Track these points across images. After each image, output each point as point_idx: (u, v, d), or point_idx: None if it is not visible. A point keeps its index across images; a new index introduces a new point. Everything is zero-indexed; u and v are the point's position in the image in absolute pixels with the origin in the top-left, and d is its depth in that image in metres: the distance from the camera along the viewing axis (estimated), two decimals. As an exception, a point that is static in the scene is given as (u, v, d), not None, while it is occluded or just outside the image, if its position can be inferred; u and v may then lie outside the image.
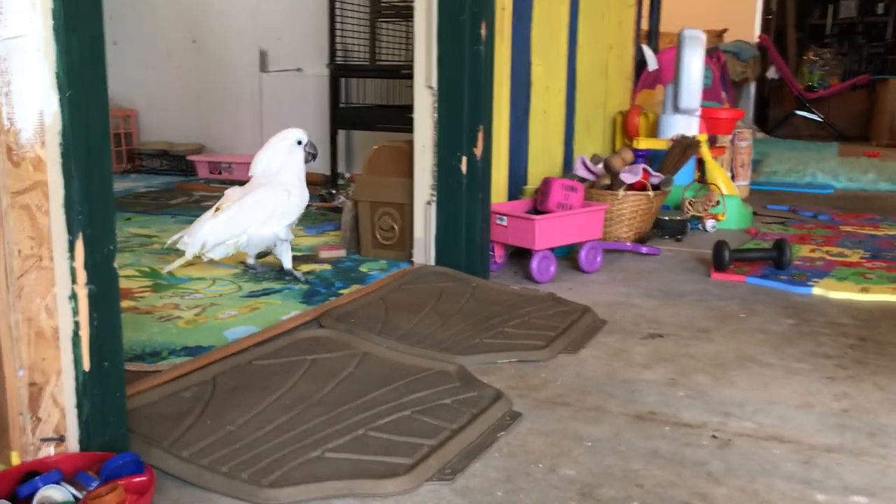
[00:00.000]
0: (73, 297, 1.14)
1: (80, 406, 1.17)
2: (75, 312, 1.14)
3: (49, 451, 1.16)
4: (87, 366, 1.16)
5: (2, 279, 1.09)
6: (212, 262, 2.39)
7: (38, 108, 1.08)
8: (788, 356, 1.80)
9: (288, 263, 2.37)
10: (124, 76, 4.90)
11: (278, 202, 2.32)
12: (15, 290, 1.09)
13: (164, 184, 4.37)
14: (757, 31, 8.39)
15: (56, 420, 1.16)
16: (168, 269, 2.37)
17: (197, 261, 2.35)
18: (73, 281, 1.13)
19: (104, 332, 1.18)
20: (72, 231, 1.12)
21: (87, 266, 1.14)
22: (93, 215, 1.14)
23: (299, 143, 2.39)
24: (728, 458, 1.32)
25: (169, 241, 2.38)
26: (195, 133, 4.95)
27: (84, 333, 1.15)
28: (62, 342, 1.14)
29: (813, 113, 7.94)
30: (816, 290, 2.30)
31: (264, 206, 2.31)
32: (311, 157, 2.42)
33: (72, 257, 1.12)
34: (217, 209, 2.34)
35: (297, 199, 2.36)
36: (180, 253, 2.32)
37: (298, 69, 4.61)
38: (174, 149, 4.80)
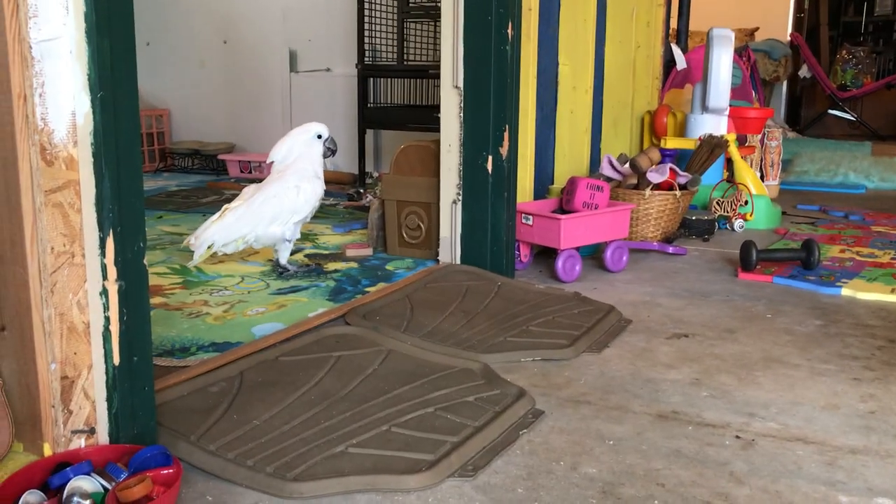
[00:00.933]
0: (104, 292, 1.16)
1: (109, 399, 1.20)
2: (106, 308, 1.17)
3: (80, 442, 1.19)
4: (117, 360, 1.19)
5: (35, 275, 1.12)
6: (238, 255, 2.48)
7: (70, 108, 1.11)
8: (815, 357, 1.79)
9: (283, 260, 2.41)
10: (156, 76, 4.98)
11: (286, 200, 2.33)
12: (48, 285, 1.12)
13: (195, 183, 4.42)
14: (789, 29, 8.29)
15: (87, 413, 1.19)
16: (190, 264, 2.42)
17: (214, 255, 2.39)
18: (104, 277, 1.16)
19: (134, 328, 1.21)
20: (103, 228, 1.15)
21: (117, 263, 1.17)
22: (123, 213, 1.16)
23: (319, 136, 2.42)
24: (751, 459, 1.32)
25: (184, 243, 2.41)
26: (226, 132, 5.01)
27: (114, 328, 1.18)
28: (93, 337, 1.17)
29: (846, 112, 7.82)
30: (845, 291, 2.28)
31: (272, 206, 2.33)
32: (329, 152, 2.44)
33: (103, 254, 1.15)
34: (225, 209, 2.35)
35: (309, 194, 2.36)
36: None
37: (327, 69, 4.65)
38: (205, 148, 4.86)
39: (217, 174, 4.74)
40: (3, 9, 1.03)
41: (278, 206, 2.33)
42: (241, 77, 4.90)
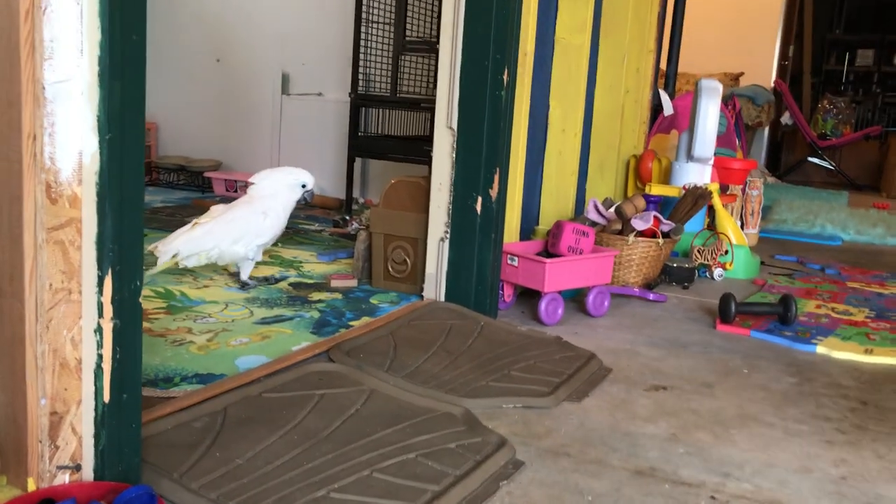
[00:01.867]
0: (99, 330, 1.17)
1: (97, 436, 1.20)
2: (99, 345, 1.18)
3: (65, 478, 1.19)
4: (107, 397, 1.19)
5: (31, 311, 1.13)
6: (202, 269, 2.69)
7: (78, 148, 1.12)
8: (789, 416, 1.83)
9: (244, 276, 2.61)
10: (146, 90, 4.98)
11: (252, 223, 2.55)
12: (44, 321, 1.13)
13: (180, 199, 4.42)
14: (773, 75, 8.45)
15: (73, 448, 1.20)
16: (151, 272, 2.50)
17: (174, 266, 2.51)
18: (100, 315, 1.17)
19: (126, 365, 1.21)
20: (102, 267, 1.16)
21: (114, 301, 1.18)
22: (123, 252, 1.18)
23: (303, 186, 2.66)
24: (725, 521, 1.34)
25: (149, 248, 2.46)
26: (213, 150, 5.02)
27: (107, 366, 1.19)
28: (85, 373, 1.18)
29: (825, 160, 7.98)
30: (820, 349, 2.33)
31: (238, 226, 2.53)
32: (304, 201, 2.70)
33: (100, 292, 1.16)
34: (195, 224, 2.52)
35: (274, 221, 2.59)
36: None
37: (319, 94, 4.67)
38: (192, 164, 4.86)
39: (202, 191, 4.74)
40: (20, 50, 1.05)
41: (244, 227, 2.53)
42: (232, 96, 4.92)
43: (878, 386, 2.07)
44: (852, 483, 1.52)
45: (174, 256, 2.45)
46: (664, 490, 1.44)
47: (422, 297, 2.53)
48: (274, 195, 2.61)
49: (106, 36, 1.10)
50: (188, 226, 2.52)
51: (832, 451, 1.65)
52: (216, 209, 2.61)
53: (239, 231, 2.52)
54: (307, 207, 4.45)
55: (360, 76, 4.04)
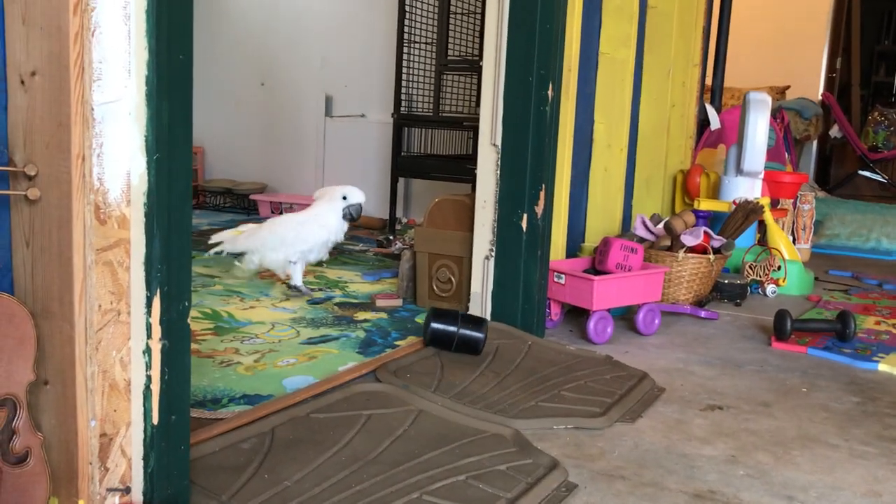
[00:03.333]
0: (147, 351, 1.17)
1: (146, 458, 1.19)
2: (148, 367, 1.17)
3: (114, 501, 1.18)
4: (156, 419, 1.19)
5: (81, 332, 1.13)
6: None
7: (126, 169, 1.13)
8: (853, 437, 1.75)
9: (295, 280, 2.74)
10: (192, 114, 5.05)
11: (288, 231, 2.71)
12: (93, 342, 1.13)
13: (226, 222, 4.46)
14: (821, 88, 8.29)
15: (122, 470, 1.19)
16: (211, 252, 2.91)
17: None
18: (149, 336, 1.16)
19: (174, 387, 1.21)
20: (150, 288, 1.15)
21: (162, 322, 1.17)
22: (171, 273, 1.17)
23: (344, 198, 2.73)
24: (791, 547, 1.29)
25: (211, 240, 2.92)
26: (259, 172, 5.07)
27: (155, 387, 1.18)
28: (133, 395, 1.18)
29: (877, 173, 7.78)
30: (882, 367, 2.24)
31: (277, 235, 2.72)
32: (348, 216, 2.74)
33: (148, 313, 1.16)
34: (243, 227, 2.93)
35: (312, 229, 2.70)
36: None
37: (362, 115, 4.70)
38: (238, 187, 4.92)
39: (248, 213, 4.78)
40: (69, 72, 1.06)
41: (282, 235, 2.71)
42: (277, 119, 4.97)
43: (947, 405, 1.98)
44: (925, 507, 1.44)
45: (219, 244, 2.84)
46: (725, 514, 1.39)
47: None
48: (314, 206, 2.77)
49: (153, 56, 1.11)
50: (239, 228, 2.86)
51: (901, 474, 1.58)
52: (270, 220, 2.88)
53: (277, 239, 2.71)
54: (352, 227, 4.46)
55: (403, 96, 4.05)
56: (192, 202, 1.22)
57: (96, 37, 1.08)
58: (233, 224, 4.39)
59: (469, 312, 2.49)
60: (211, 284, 2.86)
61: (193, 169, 5.13)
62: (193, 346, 2.13)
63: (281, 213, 4.65)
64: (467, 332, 2.07)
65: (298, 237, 2.71)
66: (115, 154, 1.12)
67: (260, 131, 5.03)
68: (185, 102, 1.17)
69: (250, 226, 2.91)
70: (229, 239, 2.87)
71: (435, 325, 2.08)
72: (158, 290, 1.16)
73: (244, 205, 4.85)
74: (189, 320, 1.23)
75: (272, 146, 5.00)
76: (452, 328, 2.06)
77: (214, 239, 2.89)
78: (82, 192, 1.10)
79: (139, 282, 1.15)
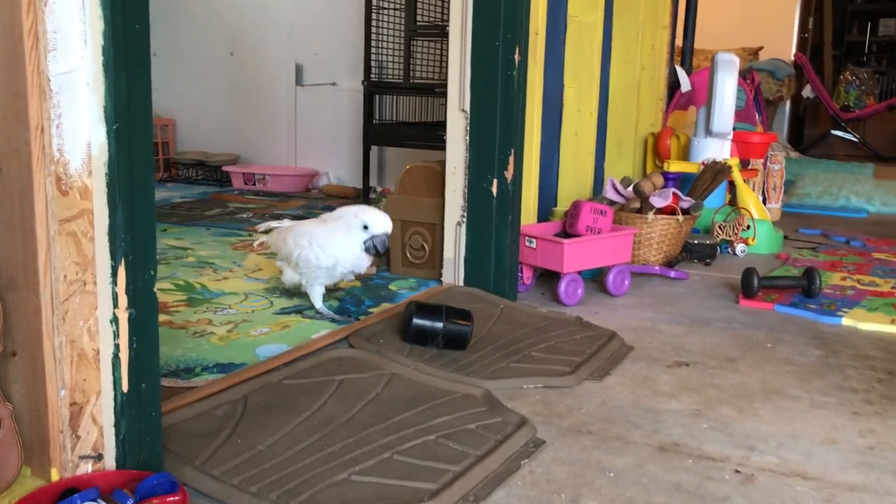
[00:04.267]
0: (115, 320, 1.18)
1: (117, 425, 1.21)
2: (116, 335, 1.18)
3: (87, 468, 1.20)
4: (125, 387, 1.20)
5: (47, 303, 1.13)
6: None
7: (86, 139, 1.13)
8: (814, 389, 1.80)
9: (316, 304, 2.24)
10: (162, 86, 5.01)
11: (293, 247, 2.21)
12: (60, 313, 1.14)
13: (199, 194, 4.45)
14: (793, 48, 8.33)
15: (94, 438, 1.21)
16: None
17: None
18: (115, 305, 1.17)
19: (143, 355, 1.22)
20: (115, 257, 1.16)
21: (128, 291, 1.18)
22: (135, 242, 1.18)
23: (365, 227, 2.12)
24: (750, 495, 1.33)
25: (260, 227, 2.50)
26: (231, 144, 5.04)
27: (124, 356, 1.19)
28: (103, 364, 1.19)
29: (849, 133, 7.86)
30: (846, 321, 2.29)
31: (288, 246, 2.24)
32: (373, 249, 2.15)
33: (114, 282, 1.17)
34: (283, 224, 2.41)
35: (317, 253, 2.16)
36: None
37: (333, 83, 4.67)
38: (210, 159, 4.89)
39: (221, 185, 4.76)
40: (24, 42, 1.05)
41: (289, 247, 2.23)
42: (247, 89, 4.93)
43: (906, 356, 2.04)
44: (879, 453, 1.49)
45: (265, 232, 2.42)
46: (688, 465, 1.43)
47: (440, 282, 2.53)
48: (326, 223, 2.20)
49: (109, 26, 1.10)
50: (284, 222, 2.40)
51: (858, 422, 1.63)
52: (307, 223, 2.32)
53: (285, 251, 2.25)
54: (326, 198, 4.46)
55: (373, 64, 4.03)
56: (154, 172, 1.23)
57: (49, 6, 1.07)
58: (206, 195, 4.38)
59: (441, 278, 2.51)
60: (184, 256, 2.86)
61: (165, 142, 5.09)
62: (166, 317, 2.14)
63: (254, 183, 4.64)
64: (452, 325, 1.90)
65: (300, 257, 2.20)
66: (75, 125, 1.12)
67: (230, 102, 4.99)
68: (144, 72, 1.17)
69: (286, 222, 2.39)
70: (275, 232, 2.36)
71: (417, 321, 1.90)
72: (123, 260, 1.17)
73: (217, 177, 4.82)
74: (155, 289, 1.24)
75: (243, 117, 4.97)
76: (438, 324, 1.89)
77: (263, 225, 2.45)
78: (42, 163, 1.10)
79: (104, 252, 1.16)
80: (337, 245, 2.14)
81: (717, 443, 1.52)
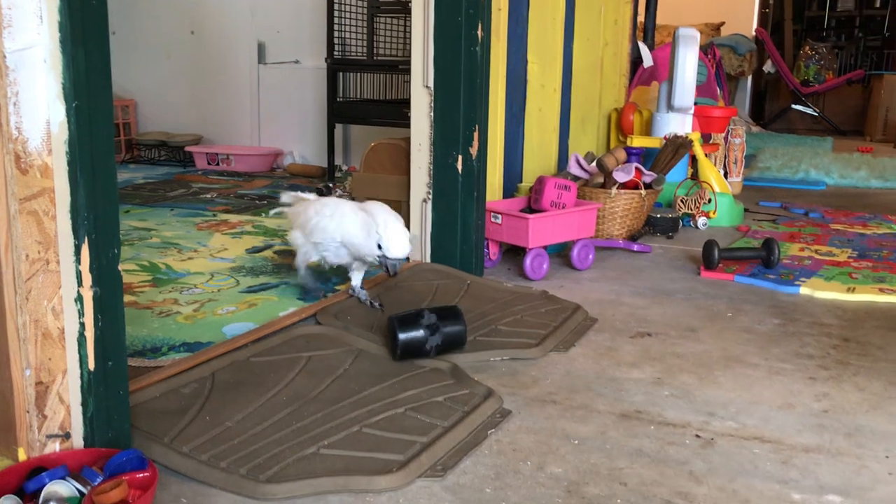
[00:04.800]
0: (79, 299, 1.18)
1: (84, 404, 1.21)
2: (81, 314, 1.18)
3: (55, 447, 1.20)
4: (92, 365, 1.20)
5: (10, 282, 1.13)
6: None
7: (45, 117, 1.12)
8: (772, 356, 1.85)
9: (354, 282, 2.14)
10: (123, 66, 4.93)
11: (312, 215, 2.08)
12: (23, 292, 1.13)
13: (162, 175, 4.40)
14: (754, 24, 8.41)
15: (62, 417, 1.21)
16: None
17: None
18: (79, 284, 1.17)
19: (109, 333, 1.22)
20: (78, 236, 1.16)
21: (92, 269, 1.18)
22: (98, 220, 1.18)
23: (378, 246, 1.94)
24: (710, 458, 1.37)
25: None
26: (193, 124, 4.98)
27: (89, 334, 1.19)
28: (68, 342, 1.19)
29: (809, 107, 7.98)
30: (803, 290, 2.35)
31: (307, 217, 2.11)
32: (385, 269, 1.98)
33: (78, 261, 1.16)
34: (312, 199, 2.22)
35: (326, 223, 2.03)
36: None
37: (296, 62, 4.63)
38: (172, 139, 4.83)
39: (184, 166, 4.71)
40: (-22, 19, 1.04)
41: (308, 213, 2.10)
42: (209, 68, 4.87)
43: (860, 323, 2.10)
44: (833, 416, 1.54)
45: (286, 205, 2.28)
46: (649, 431, 1.46)
47: (408, 259, 2.53)
48: (357, 213, 2.02)
49: (65, 2, 1.09)
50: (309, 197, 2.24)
51: (814, 387, 1.68)
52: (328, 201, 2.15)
53: (304, 217, 2.11)
54: (291, 176, 4.44)
55: (336, 41, 4.00)
56: (115, 150, 1.22)
57: (4, -18, 1.06)
58: (169, 176, 4.34)
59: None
60: (148, 237, 2.84)
61: (126, 122, 5.01)
62: (131, 298, 2.13)
63: (217, 164, 4.59)
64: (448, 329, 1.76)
65: (309, 223, 2.08)
66: (33, 102, 1.11)
67: (192, 82, 4.92)
68: (102, 48, 1.16)
69: (311, 196, 2.25)
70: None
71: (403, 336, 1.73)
72: (86, 238, 1.17)
73: (180, 157, 4.77)
74: (120, 267, 1.24)
75: (205, 96, 4.91)
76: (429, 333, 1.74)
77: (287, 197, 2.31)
78: (0, 141, 1.09)
79: (66, 230, 1.15)
80: (353, 235, 2.00)
81: (679, 409, 1.56)
